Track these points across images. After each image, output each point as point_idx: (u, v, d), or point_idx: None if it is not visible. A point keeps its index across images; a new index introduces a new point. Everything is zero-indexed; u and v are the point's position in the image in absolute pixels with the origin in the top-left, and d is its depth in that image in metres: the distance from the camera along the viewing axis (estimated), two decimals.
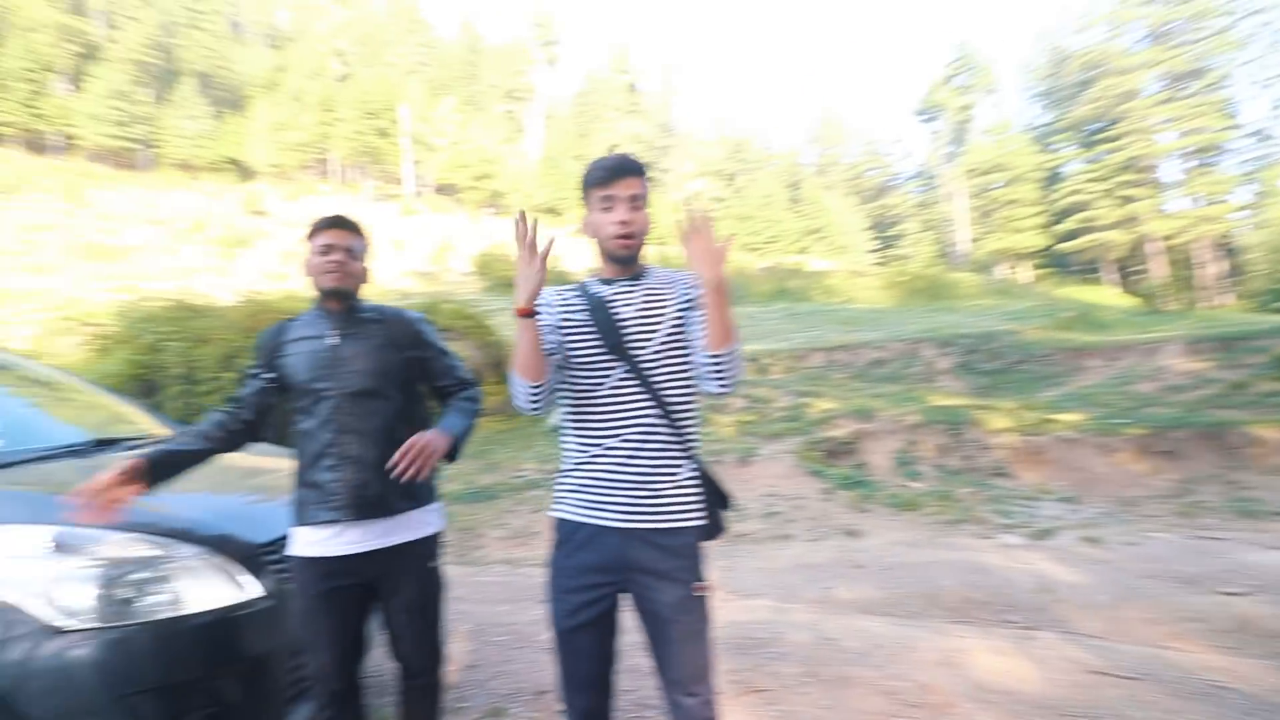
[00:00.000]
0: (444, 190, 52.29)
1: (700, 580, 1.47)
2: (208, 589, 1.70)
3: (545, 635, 3.25)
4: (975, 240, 47.42)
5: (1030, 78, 46.68)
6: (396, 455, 1.56)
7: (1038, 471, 6.61)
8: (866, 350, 9.56)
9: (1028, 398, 8.02)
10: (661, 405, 1.49)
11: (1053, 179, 41.58)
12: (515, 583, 4.12)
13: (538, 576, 4.31)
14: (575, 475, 1.53)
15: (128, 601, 1.59)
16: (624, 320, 1.52)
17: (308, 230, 1.84)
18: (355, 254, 1.82)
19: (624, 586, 1.48)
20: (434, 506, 1.84)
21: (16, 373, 2.74)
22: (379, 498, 1.69)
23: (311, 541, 1.70)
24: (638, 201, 1.51)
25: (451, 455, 1.74)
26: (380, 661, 1.97)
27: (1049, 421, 7.04)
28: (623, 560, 1.46)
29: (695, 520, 1.50)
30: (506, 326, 12.47)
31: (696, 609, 1.46)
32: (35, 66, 48.08)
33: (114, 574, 1.59)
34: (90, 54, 52.71)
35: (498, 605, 3.65)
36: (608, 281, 1.59)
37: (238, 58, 63.01)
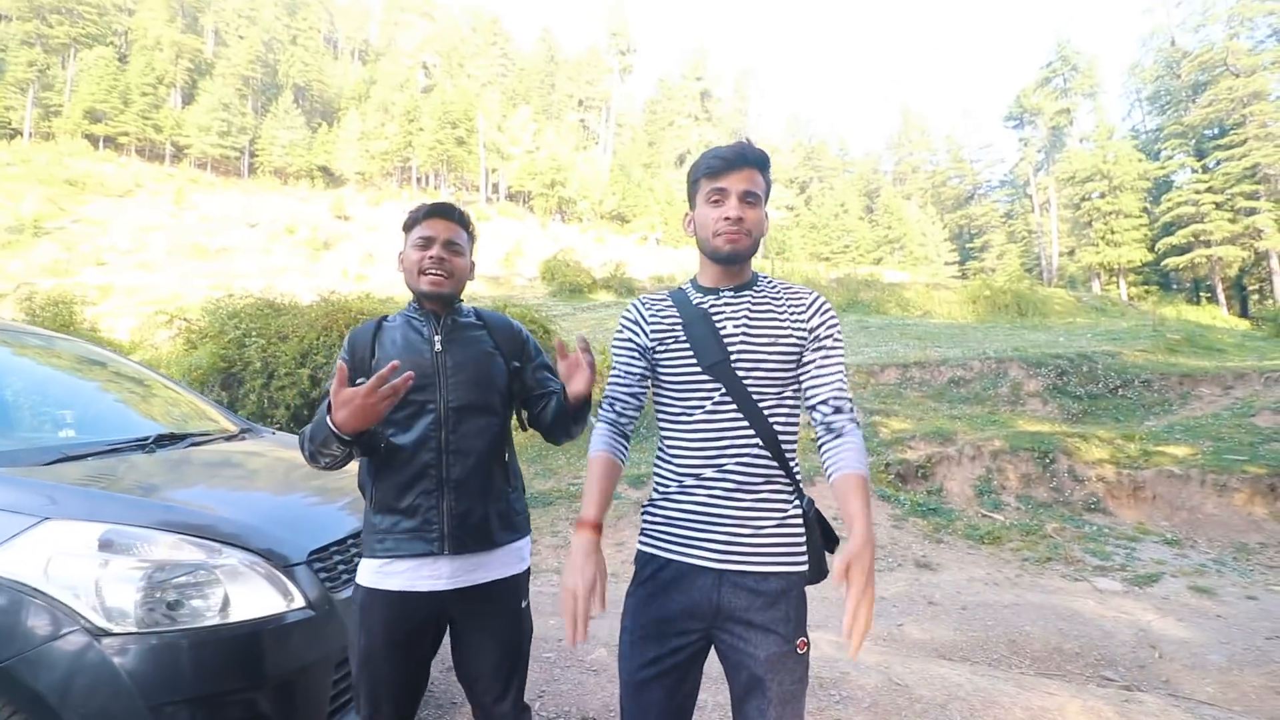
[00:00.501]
0: (515, 197, 53.74)
1: (803, 635, 1.28)
2: (253, 597, 1.66)
3: (593, 654, 3.16)
4: (1068, 254, 44.55)
5: (1137, 79, 43.49)
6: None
7: (1138, 509, 5.99)
8: (945, 368, 9.01)
9: (1128, 427, 7.32)
10: (766, 434, 1.31)
11: (1160, 189, 38.51)
12: None
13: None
14: (666, 507, 1.37)
15: (172, 607, 1.56)
16: (727, 336, 1.35)
17: (405, 219, 1.65)
18: (459, 249, 1.62)
19: (712, 636, 1.31)
20: (528, 540, 1.66)
21: (97, 365, 2.86)
22: (481, 528, 1.51)
23: (393, 573, 1.50)
24: (753, 198, 1.34)
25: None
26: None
27: (1153, 454, 6.37)
28: (714, 606, 1.28)
29: (800, 565, 1.31)
30: (568, 331, 12.55)
31: (795, 668, 1.27)
32: (154, 81, 52.63)
33: (160, 577, 1.56)
34: (201, 69, 57.31)
35: (548, 618, 3.56)
36: (709, 290, 1.42)
37: (332, 72, 67.09)
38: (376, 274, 27.70)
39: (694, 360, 1.35)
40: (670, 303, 1.45)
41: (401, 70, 65.05)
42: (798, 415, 1.39)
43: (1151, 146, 40.51)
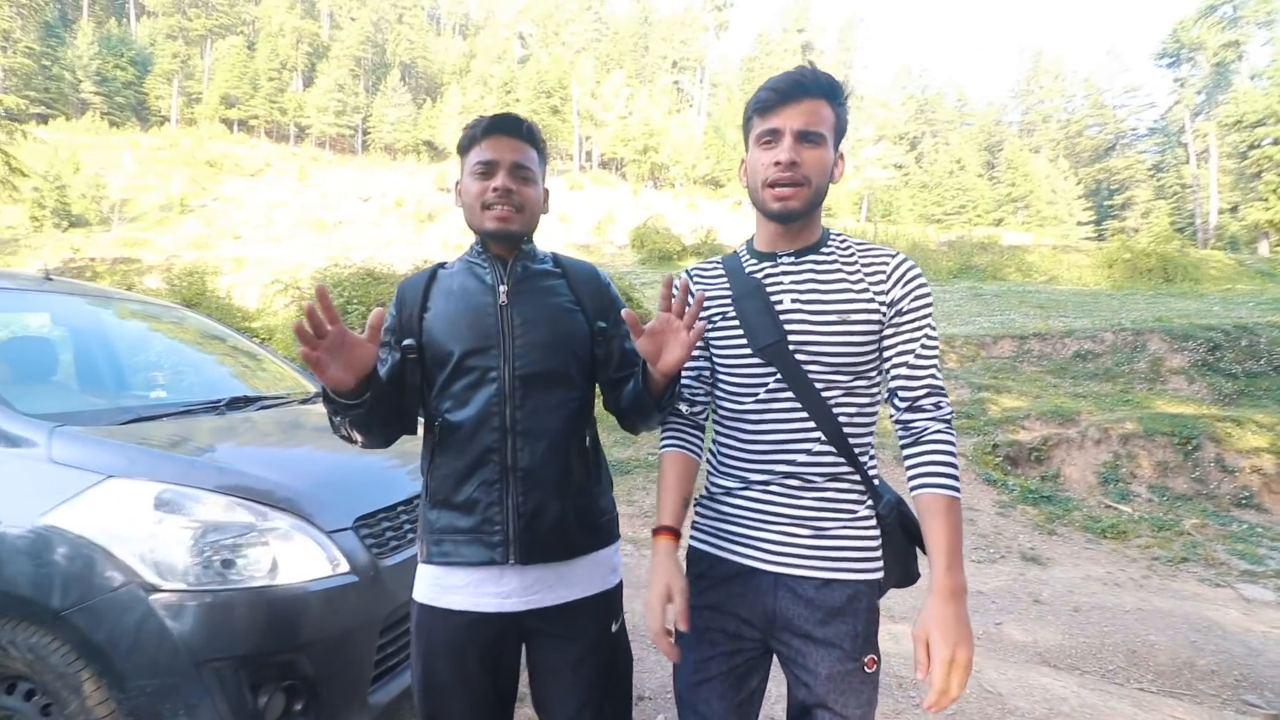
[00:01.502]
0: (609, 164, 53.82)
1: (872, 652, 1.12)
2: (299, 560, 1.68)
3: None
4: (1229, 210, 38.97)
5: None
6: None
7: None
8: (1071, 340, 8.08)
9: None
10: (830, 428, 1.11)
11: None
12: (637, 566, 3.97)
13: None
14: (720, 504, 1.21)
15: (222, 566, 1.59)
16: (785, 313, 1.14)
17: (461, 138, 1.33)
18: (529, 175, 1.29)
19: (770, 647, 1.17)
20: (617, 547, 1.36)
21: (195, 331, 3.04)
22: (557, 532, 1.22)
23: (451, 587, 1.23)
24: (814, 138, 1.10)
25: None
26: None
27: None
28: (769, 612, 1.13)
29: (871, 572, 1.13)
30: (653, 300, 12.41)
31: (862, 690, 1.10)
32: (279, 66, 56.74)
33: (211, 538, 1.60)
34: (319, 52, 61.10)
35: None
36: (764, 255, 1.21)
37: (435, 48, 69.51)
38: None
39: (744, 341, 1.16)
40: (721, 271, 1.25)
41: (499, 42, 66.32)
42: (876, 403, 1.18)
43: None
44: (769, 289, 1.17)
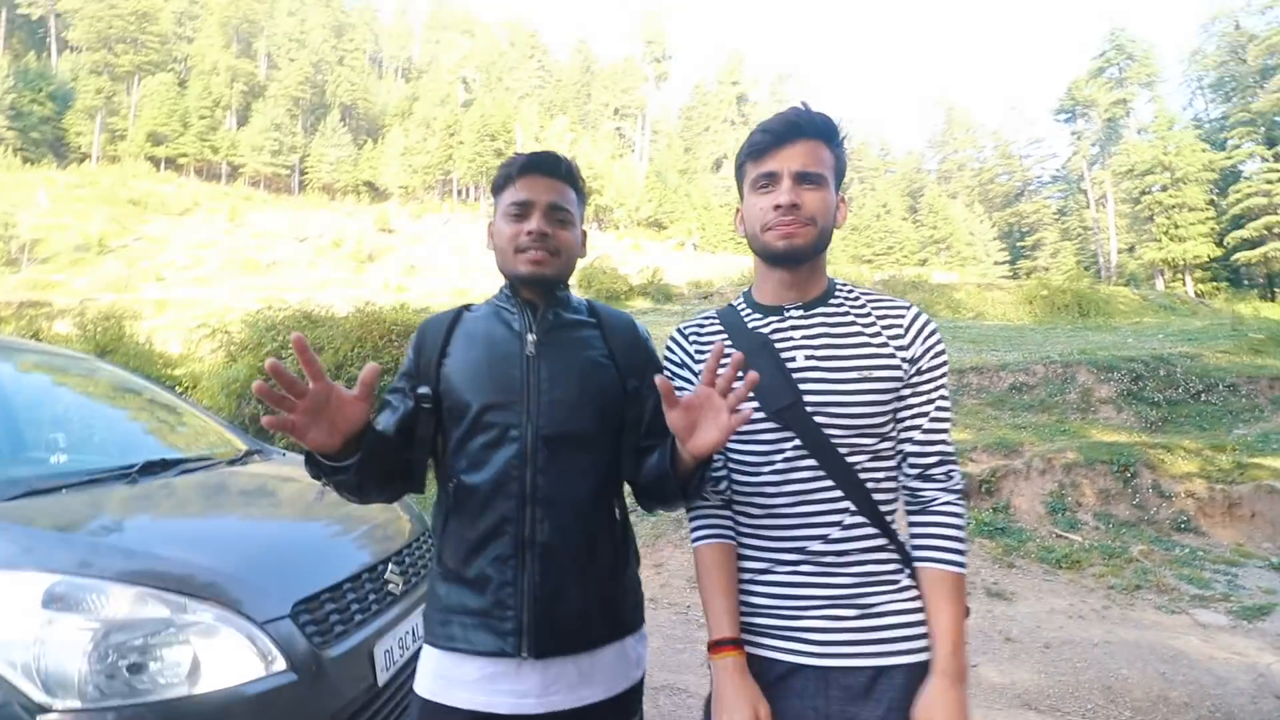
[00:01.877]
0: None
1: None
2: (226, 660, 1.42)
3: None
4: (1127, 250, 42.36)
5: (1198, 66, 41.19)
6: None
7: (1235, 529, 5.36)
8: (1006, 373, 8.41)
9: (1216, 436, 6.65)
10: (860, 497, 1.01)
11: (1227, 180, 36.26)
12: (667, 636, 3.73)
13: (665, 623, 3.91)
14: (747, 592, 1.07)
15: (129, 673, 1.33)
16: (798, 371, 1.04)
17: (496, 177, 1.22)
18: (567, 217, 1.19)
19: None
20: (642, 635, 1.21)
21: (98, 380, 2.71)
22: (577, 622, 1.08)
23: (459, 681, 1.07)
24: (814, 179, 1.03)
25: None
26: None
27: (1248, 466, 5.72)
28: (822, 716, 0.98)
29: (923, 651, 1.00)
30: None
31: None
32: (211, 104, 55.12)
33: (116, 639, 1.33)
34: (255, 91, 59.77)
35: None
36: (769, 309, 1.11)
37: (377, 90, 69.13)
38: (417, 284, 28.13)
39: (755, 405, 1.03)
40: (719, 327, 1.14)
41: (443, 86, 66.54)
42: (896, 466, 1.08)
43: (1216, 136, 38.23)
44: (778, 345, 1.07)
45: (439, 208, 48.56)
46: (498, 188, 1.21)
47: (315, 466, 1.01)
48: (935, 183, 62.16)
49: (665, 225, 51.47)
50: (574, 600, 1.07)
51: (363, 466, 1.00)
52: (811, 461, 1.01)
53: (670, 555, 5.09)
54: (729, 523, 1.11)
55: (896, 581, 1.02)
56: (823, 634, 1.00)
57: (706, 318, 1.18)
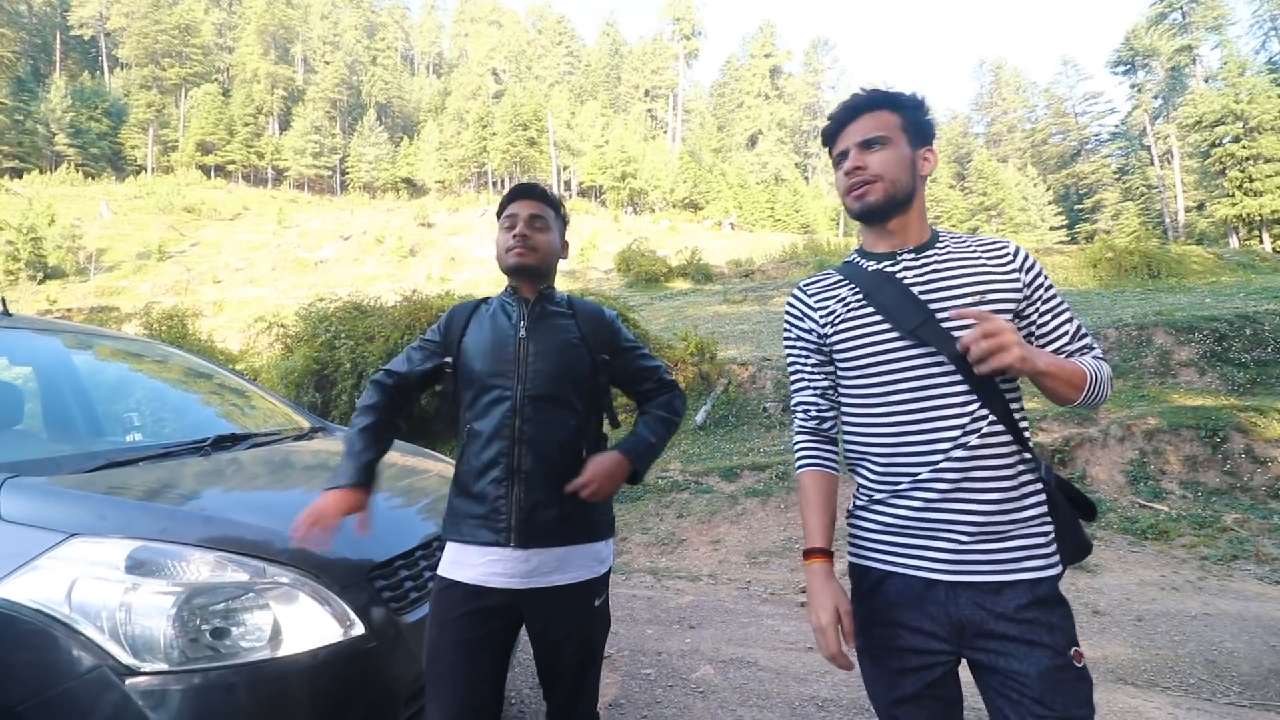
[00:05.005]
0: (587, 193, 54.11)
1: (1075, 645, 1.06)
2: (306, 624, 1.40)
3: (699, 672, 2.79)
4: (1196, 208, 39.87)
5: (1272, 4, 38.14)
6: (577, 482, 1.40)
7: None
8: None
9: None
10: (998, 405, 1.08)
11: None
12: (661, 600, 3.69)
13: (685, 591, 3.87)
14: (876, 514, 1.17)
15: (212, 637, 1.32)
16: (925, 295, 1.14)
17: (498, 206, 1.64)
18: (544, 224, 1.57)
19: (964, 657, 1.11)
20: (609, 542, 1.54)
21: (176, 367, 2.75)
22: (552, 524, 1.43)
23: (463, 563, 1.43)
24: (876, 142, 1.17)
25: (634, 477, 1.51)
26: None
27: None
28: (956, 623, 1.08)
29: (1054, 562, 1.08)
30: (648, 321, 12.23)
31: (1079, 688, 1.03)
32: (254, 111, 56.77)
33: (198, 603, 1.32)
34: (294, 96, 61.29)
35: (645, 626, 3.24)
36: (882, 256, 1.22)
37: (410, 87, 70.08)
38: (458, 275, 28.50)
39: (888, 328, 1.14)
40: (839, 277, 1.26)
41: (473, 79, 67.02)
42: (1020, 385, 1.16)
43: None
44: (899, 278, 1.17)
45: (475, 200, 49.02)
46: (498, 212, 1.60)
47: None
48: (983, 147, 59.60)
49: (701, 205, 50.85)
50: (548, 511, 1.42)
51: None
52: (950, 373, 1.08)
53: (727, 532, 5.01)
54: (829, 454, 1.27)
55: (1029, 495, 1.08)
56: (955, 551, 1.07)
57: (822, 275, 1.30)
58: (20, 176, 43.61)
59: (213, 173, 53.57)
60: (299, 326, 8.17)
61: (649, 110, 68.37)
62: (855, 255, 1.28)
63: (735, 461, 6.11)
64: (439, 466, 2.41)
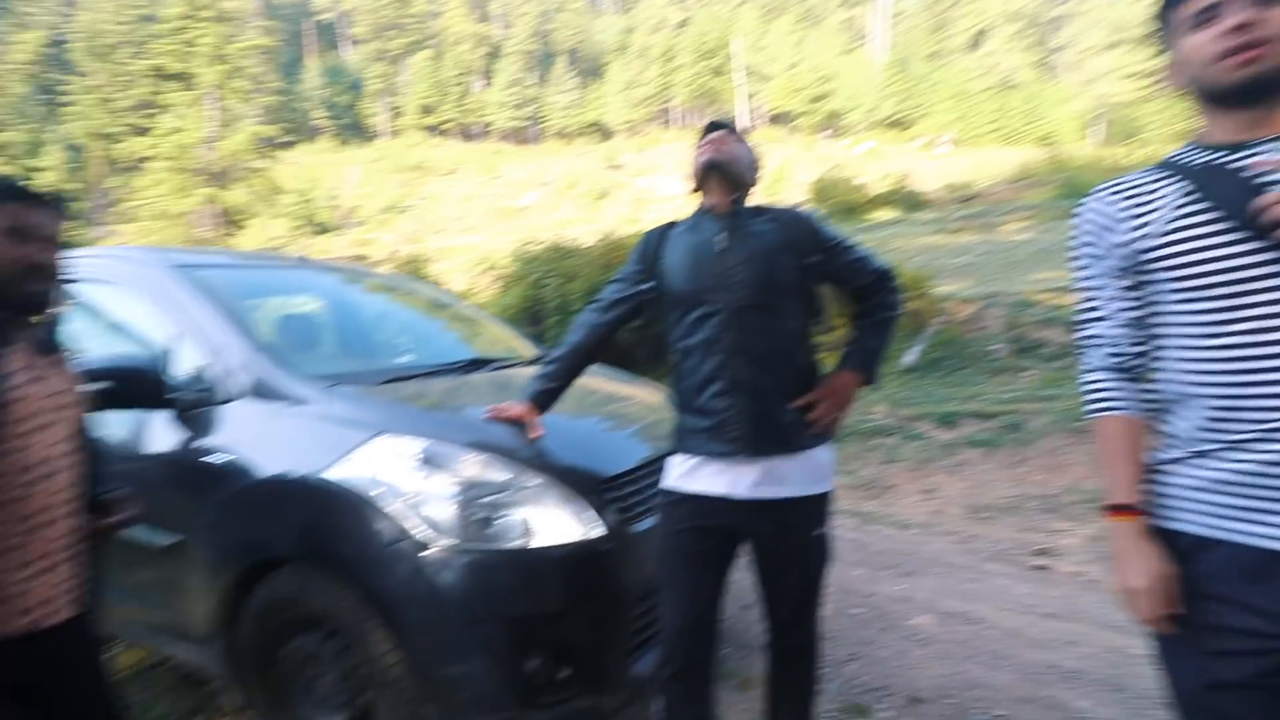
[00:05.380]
0: (779, 119, 51.37)
1: None
2: (553, 522, 1.59)
3: (915, 619, 2.68)
4: None
5: None
6: (806, 400, 1.45)
7: None
8: None
9: None
10: None
11: None
12: (868, 543, 3.58)
13: (894, 539, 3.70)
14: (1197, 470, 0.96)
15: (484, 524, 1.54)
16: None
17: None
18: (734, 161, 1.52)
19: None
20: (832, 460, 1.56)
21: (428, 301, 3.19)
22: (781, 430, 1.45)
23: (694, 475, 1.48)
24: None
25: (869, 379, 1.56)
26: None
27: None
28: None
29: None
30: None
31: None
32: (462, 71, 61.78)
33: (472, 494, 1.55)
34: (495, 53, 65.50)
35: (852, 568, 3.17)
36: (1230, 147, 0.96)
37: (595, 29, 71.14)
38: (647, 215, 29.18)
39: (1236, 235, 0.89)
40: (1159, 174, 1.01)
41: (657, 11, 66.05)
42: None
43: None
44: (1240, 169, 0.92)
45: (659, 139, 49.20)
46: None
47: None
48: None
49: (910, 124, 45.79)
50: (775, 418, 1.44)
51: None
52: None
53: (942, 481, 4.67)
54: (1141, 397, 1.07)
55: None
56: None
57: (1134, 175, 1.06)
58: (291, 148, 52.66)
59: (433, 132, 60.04)
60: (513, 267, 9.02)
61: (848, 19, 62.20)
62: (1188, 149, 1.03)
63: (953, 408, 5.63)
64: (645, 393, 2.52)
